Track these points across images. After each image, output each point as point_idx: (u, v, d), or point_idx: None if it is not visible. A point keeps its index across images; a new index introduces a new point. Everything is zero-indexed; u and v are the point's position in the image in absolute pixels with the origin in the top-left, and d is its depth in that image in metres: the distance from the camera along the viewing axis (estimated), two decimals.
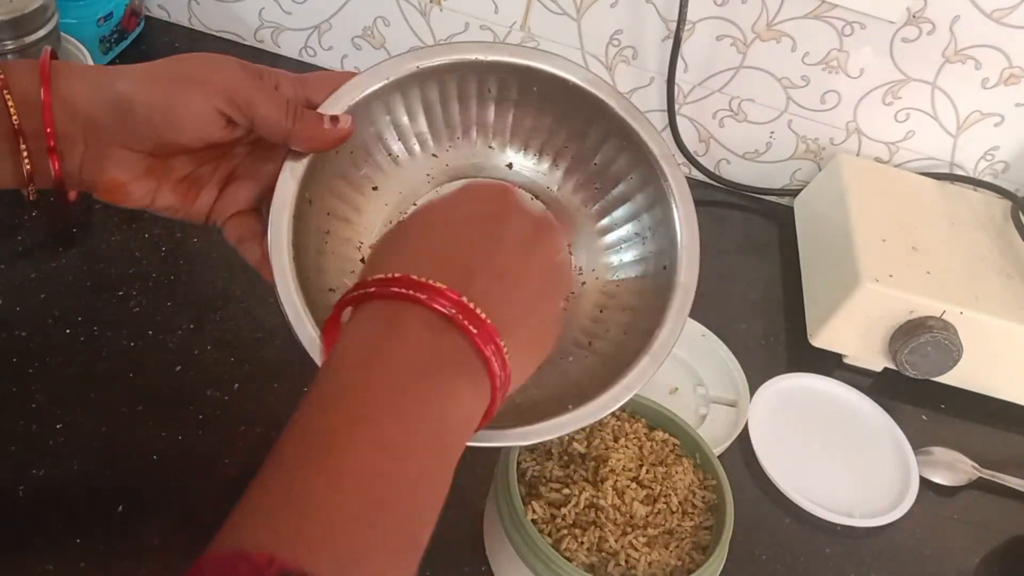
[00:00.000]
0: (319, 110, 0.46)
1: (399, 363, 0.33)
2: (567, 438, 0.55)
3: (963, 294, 0.73)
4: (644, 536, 0.52)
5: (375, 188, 0.51)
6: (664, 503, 0.54)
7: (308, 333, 0.43)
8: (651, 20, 0.83)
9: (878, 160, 0.89)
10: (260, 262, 0.46)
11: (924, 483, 0.69)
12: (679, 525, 0.54)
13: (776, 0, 0.80)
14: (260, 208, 0.47)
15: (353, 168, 0.50)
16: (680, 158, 0.92)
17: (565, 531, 0.51)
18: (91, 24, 0.79)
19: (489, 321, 0.34)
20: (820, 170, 0.91)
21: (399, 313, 0.34)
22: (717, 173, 0.93)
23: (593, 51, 0.87)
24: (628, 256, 0.52)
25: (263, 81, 0.44)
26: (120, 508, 0.54)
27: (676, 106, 0.88)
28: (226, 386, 0.62)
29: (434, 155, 0.52)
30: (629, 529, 0.52)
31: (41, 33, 0.69)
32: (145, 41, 0.89)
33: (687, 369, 0.72)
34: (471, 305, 0.34)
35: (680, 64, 0.85)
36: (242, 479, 0.60)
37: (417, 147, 0.52)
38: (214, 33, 0.92)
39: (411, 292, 0.34)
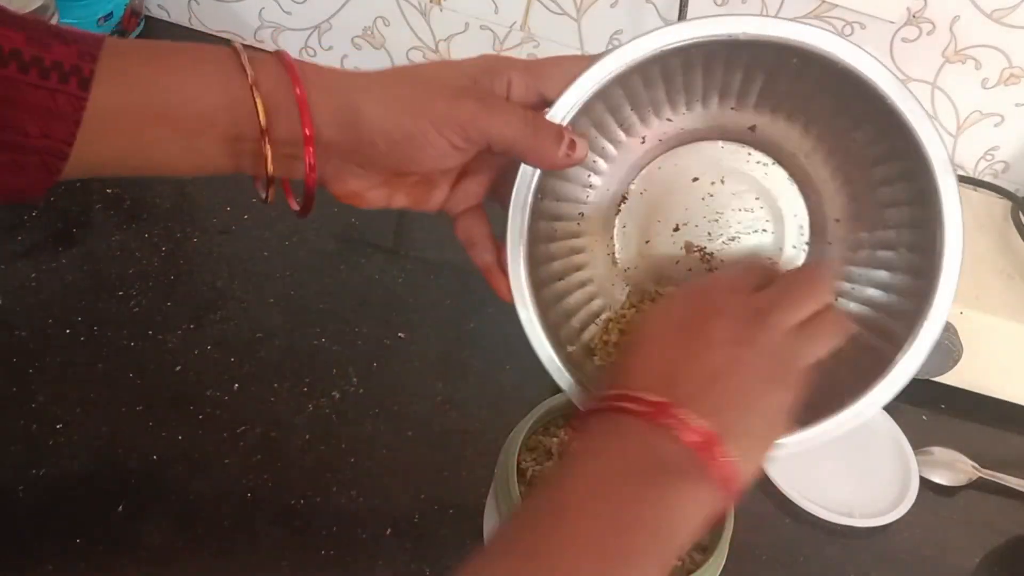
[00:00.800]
0: (554, 108, 0.43)
1: (615, 466, 0.36)
2: (566, 437, 0.55)
3: (963, 294, 0.72)
4: None
5: (603, 159, 0.49)
6: None
7: (547, 353, 0.46)
8: (651, 20, 0.83)
9: None
10: (488, 267, 0.47)
11: (924, 483, 0.69)
12: None
13: (776, 0, 0.80)
14: (488, 202, 0.48)
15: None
16: None
17: None
18: (91, 24, 0.79)
19: (702, 425, 0.36)
20: None
21: (620, 424, 0.37)
22: None
23: (593, 51, 0.86)
24: (877, 249, 0.47)
25: (495, 94, 0.43)
26: (120, 508, 0.54)
27: None
28: (226, 386, 0.62)
29: (669, 119, 0.48)
30: None
31: None
32: None
33: None
34: (681, 414, 0.36)
35: None
36: (242, 479, 0.61)
37: (652, 113, 0.48)
38: (214, 33, 0.92)
39: (627, 405, 0.37)
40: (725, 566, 0.52)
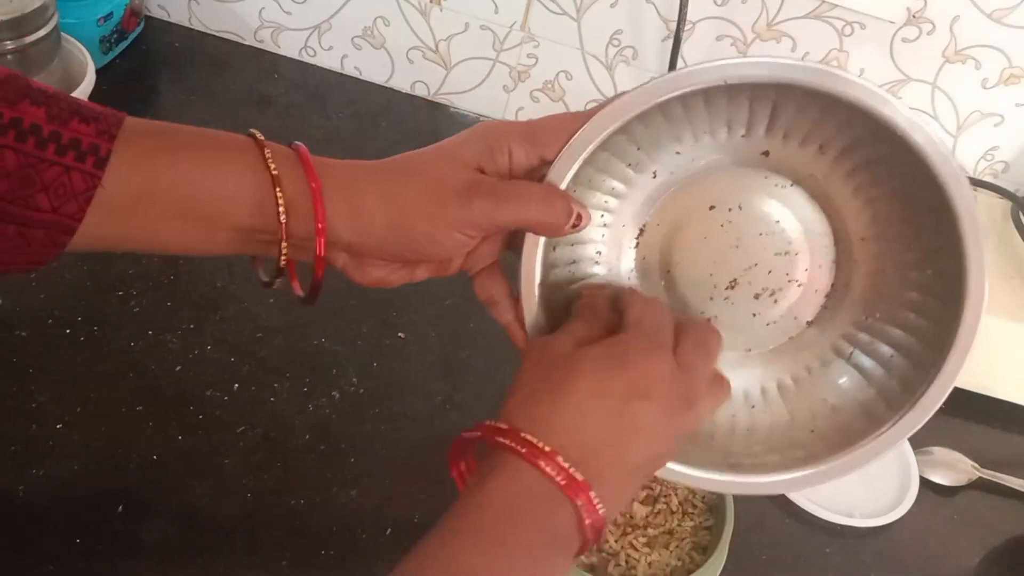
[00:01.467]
0: (552, 171, 0.44)
1: (519, 531, 0.36)
2: None
3: None
4: (644, 536, 0.52)
5: (614, 198, 0.49)
6: (664, 503, 0.54)
7: None
8: (651, 20, 0.83)
9: None
10: (509, 324, 0.47)
11: (924, 483, 0.69)
12: (679, 525, 0.54)
13: (776, 0, 0.80)
14: (503, 259, 0.48)
15: (593, 191, 0.48)
16: None
17: None
18: (91, 24, 0.79)
19: (583, 478, 0.37)
20: None
21: (534, 486, 0.37)
22: None
23: (593, 51, 0.87)
24: (904, 270, 0.47)
25: (499, 176, 0.43)
26: (120, 508, 0.54)
27: None
28: (226, 386, 0.62)
29: (678, 152, 0.47)
30: (629, 529, 0.53)
31: (41, 33, 0.69)
32: (145, 41, 0.89)
33: None
34: (595, 499, 0.37)
35: (680, 64, 0.85)
36: (242, 479, 0.61)
37: (659, 149, 0.47)
38: (214, 33, 0.92)
39: (547, 469, 0.37)
40: (725, 566, 0.52)
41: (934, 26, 0.79)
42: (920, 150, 0.42)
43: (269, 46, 0.92)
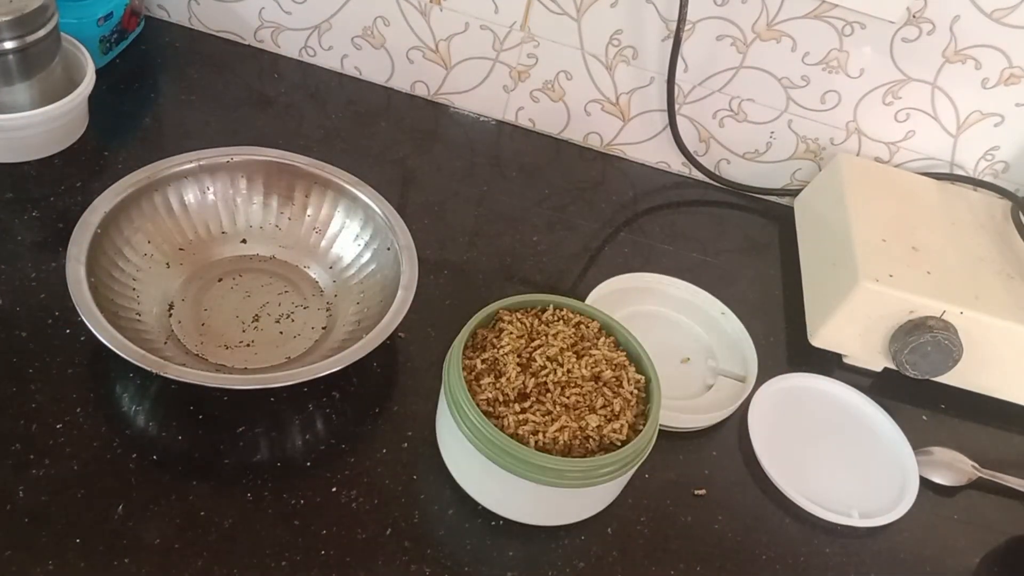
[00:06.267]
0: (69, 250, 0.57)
1: None
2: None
3: (963, 294, 0.72)
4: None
5: (135, 291, 0.64)
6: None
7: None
8: (651, 20, 0.83)
9: (878, 160, 0.89)
10: None
11: (924, 483, 0.69)
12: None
13: (776, 0, 0.80)
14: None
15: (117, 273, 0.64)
16: (680, 158, 0.92)
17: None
18: (91, 24, 0.79)
19: None
20: (820, 170, 0.91)
21: None
22: (717, 173, 0.93)
23: (593, 51, 0.87)
24: (362, 261, 0.69)
25: None
26: (120, 508, 0.54)
27: (676, 106, 0.88)
28: None
29: (181, 249, 0.68)
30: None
31: (41, 33, 0.69)
32: (145, 41, 0.89)
33: (701, 342, 0.74)
34: None
35: (680, 64, 0.85)
36: (242, 479, 0.61)
37: (167, 243, 0.67)
38: (214, 33, 0.92)
39: None
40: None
41: (934, 26, 0.79)
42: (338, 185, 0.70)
43: (269, 46, 0.92)
